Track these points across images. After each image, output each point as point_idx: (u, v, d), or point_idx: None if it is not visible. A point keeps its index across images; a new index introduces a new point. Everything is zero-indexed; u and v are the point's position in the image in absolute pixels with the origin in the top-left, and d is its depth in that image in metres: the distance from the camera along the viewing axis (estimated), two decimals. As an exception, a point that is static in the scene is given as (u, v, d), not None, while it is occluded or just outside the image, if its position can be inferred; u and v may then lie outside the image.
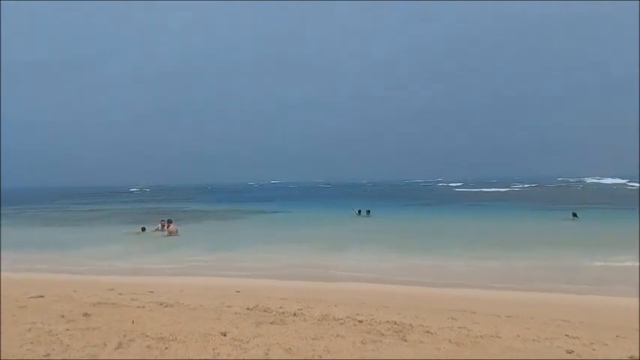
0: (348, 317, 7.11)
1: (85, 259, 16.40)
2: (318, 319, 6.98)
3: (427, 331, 6.34)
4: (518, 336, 6.23)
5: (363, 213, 31.42)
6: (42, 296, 8.92)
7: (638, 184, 70.42)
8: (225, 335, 5.99)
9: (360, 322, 6.83)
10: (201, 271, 14.06)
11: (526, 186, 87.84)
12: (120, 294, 9.38)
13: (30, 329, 6.23)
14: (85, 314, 7.14)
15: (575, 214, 25.79)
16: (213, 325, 6.57)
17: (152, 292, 9.73)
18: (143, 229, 23.74)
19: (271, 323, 6.66)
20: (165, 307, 7.94)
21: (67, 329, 6.24)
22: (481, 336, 6.16)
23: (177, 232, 22.87)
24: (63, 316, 7.01)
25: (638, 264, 12.97)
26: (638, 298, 9.64)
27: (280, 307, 7.95)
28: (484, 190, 74.58)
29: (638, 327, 7.08)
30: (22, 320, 6.73)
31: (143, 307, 7.92)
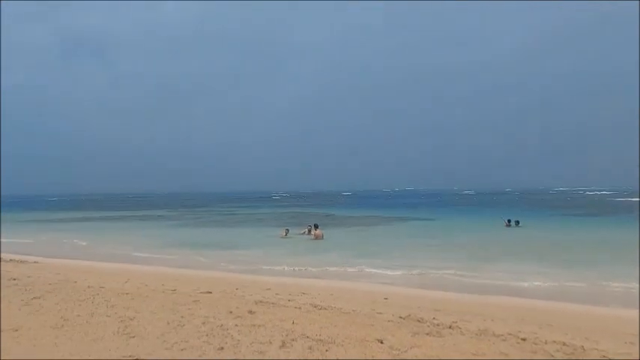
0: (509, 334, 6.71)
1: (241, 259, 17.66)
2: (476, 334, 6.68)
3: (604, 356, 5.73)
4: None
5: (512, 223, 29.58)
6: (210, 292, 9.79)
7: None
8: (382, 342, 6.01)
9: (524, 340, 6.40)
10: (348, 275, 14.32)
11: None
12: (277, 294, 9.93)
13: (204, 323, 6.85)
14: (250, 311, 7.66)
15: None
16: (368, 331, 6.63)
17: (305, 293, 10.14)
18: (287, 232, 24.88)
19: (427, 334, 6.54)
20: (320, 309, 8.22)
21: (236, 325, 6.75)
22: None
23: (322, 236, 23.61)
24: (231, 312, 7.60)
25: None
26: None
27: (434, 318, 7.77)
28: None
29: None
30: (197, 314, 7.43)
31: (299, 308, 8.28)
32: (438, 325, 7.21)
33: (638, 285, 12.09)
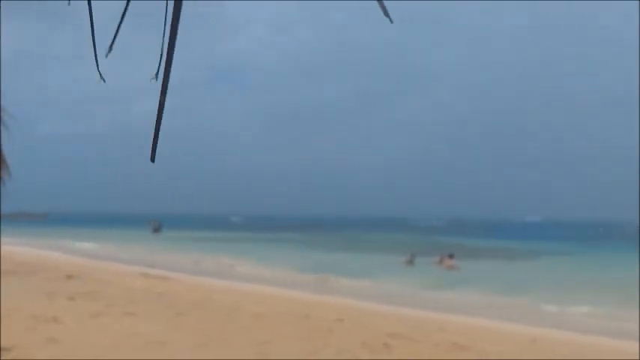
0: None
1: (370, 285, 17.32)
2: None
3: None
4: None
5: None
6: (342, 320, 9.57)
7: None
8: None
9: None
10: (487, 313, 13.25)
11: None
12: (411, 327, 9.41)
13: (339, 353, 6.61)
14: (385, 345, 7.28)
15: None
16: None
17: (443, 330, 9.48)
18: (411, 259, 23.77)
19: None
20: (460, 349, 7.57)
21: (371, 358, 6.41)
22: None
23: (457, 267, 22.42)
24: (365, 344, 7.29)
25: None
26: None
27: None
28: None
29: None
30: (331, 343, 7.23)
31: (437, 345, 7.73)
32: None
33: None
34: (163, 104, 0.73)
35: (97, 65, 0.85)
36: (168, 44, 0.69)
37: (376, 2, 0.74)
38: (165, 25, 0.70)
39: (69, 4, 0.87)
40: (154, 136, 0.74)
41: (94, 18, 0.82)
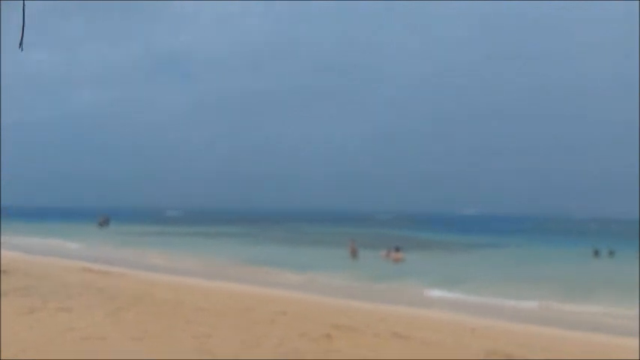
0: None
1: (316, 279, 17.45)
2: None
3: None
4: None
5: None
6: (286, 313, 9.62)
7: None
8: (470, 380, 5.50)
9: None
10: (430, 303, 13.68)
11: None
12: (354, 318, 9.57)
13: (279, 344, 6.65)
14: (327, 335, 7.38)
15: None
16: (453, 365, 6.14)
17: (384, 320, 9.70)
18: (354, 250, 24.05)
19: (520, 374, 5.94)
20: (400, 338, 7.78)
21: (312, 349, 6.49)
22: None
23: (403, 259, 22.96)
24: (306, 335, 7.36)
25: None
26: None
27: (523, 354, 7.12)
28: None
29: None
30: (272, 335, 7.26)
31: (378, 335, 7.90)
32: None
33: None
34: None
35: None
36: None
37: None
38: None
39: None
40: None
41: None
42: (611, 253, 27.17)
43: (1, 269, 13.95)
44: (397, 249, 23.93)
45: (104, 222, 52.24)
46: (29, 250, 24.53)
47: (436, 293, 14.89)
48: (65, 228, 45.37)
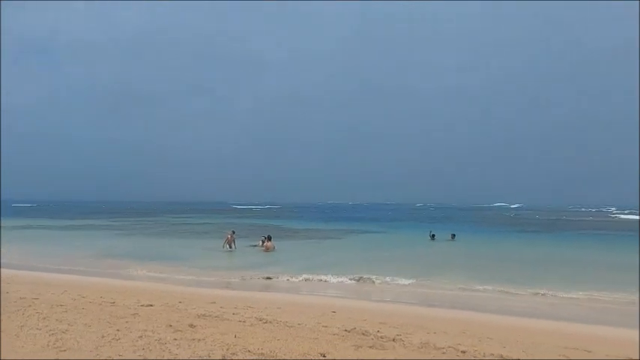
0: (449, 347, 6.80)
1: (187, 270, 17.22)
2: (418, 347, 6.74)
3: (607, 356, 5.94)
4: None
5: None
6: (152, 305, 9.47)
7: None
8: (324, 356, 5.95)
9: (463, 352, 6.50)
10: (297, 288, 14.22)
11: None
12: (221, 307, 9.70)
13: (141, 336, 6.60)
14: (191, 325, 7.45)
15: None
16: (311, 345, 6.57)
17: (251, 307, 9.96)
18: (232, 241, 24.09)
19: (370, 347, 6.54)
20: (265, 323, 8.09)
21: (175, 339, 6.54)
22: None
23: (274, 248, 23.43)
24: (171, 326, 7.36)
25: None
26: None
27: (378, 330, 7.79)
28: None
29: None
30: (135, 327, 7.16)
31: (243, 321, 8.12)
32: (381, 337, 7.23)
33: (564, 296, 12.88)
34: None
35: None
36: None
37: None
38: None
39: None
40: None
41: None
42: (453, 237, 30.58)
43: None
44: (269, 238, 24.37)
45: None
46: None
47: (302, 278, 15.51)
48: None
